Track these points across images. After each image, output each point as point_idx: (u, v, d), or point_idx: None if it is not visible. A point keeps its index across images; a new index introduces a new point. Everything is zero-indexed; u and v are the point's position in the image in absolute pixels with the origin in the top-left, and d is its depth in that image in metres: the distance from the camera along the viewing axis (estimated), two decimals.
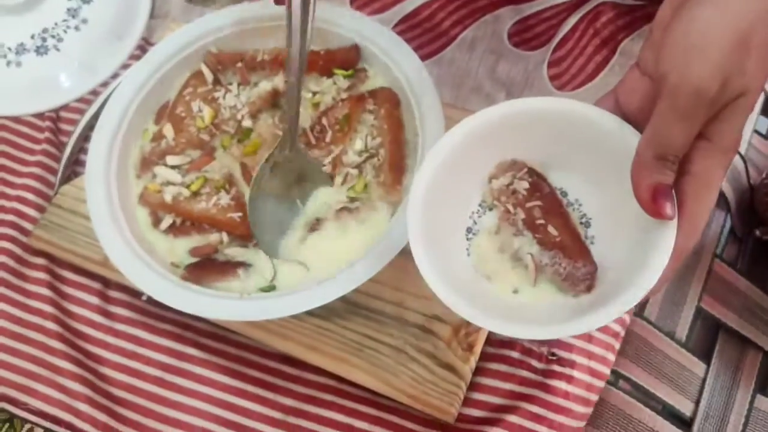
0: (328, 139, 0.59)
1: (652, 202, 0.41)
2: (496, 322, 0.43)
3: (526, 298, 0.47)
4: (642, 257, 0.42)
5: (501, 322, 0.43)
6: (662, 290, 0.64)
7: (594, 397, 0.60)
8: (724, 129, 0.40)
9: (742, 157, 0.93)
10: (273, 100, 0.61)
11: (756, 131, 0.94)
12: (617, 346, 0.61)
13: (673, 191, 0.41)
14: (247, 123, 0.60)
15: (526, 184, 0.49)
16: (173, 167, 0.60)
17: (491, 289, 0.48)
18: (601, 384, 0.60)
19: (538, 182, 0.49)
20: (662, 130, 0.40)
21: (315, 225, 0.57)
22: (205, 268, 0.56)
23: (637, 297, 0.41)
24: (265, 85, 0.61)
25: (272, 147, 0.58)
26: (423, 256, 0.45)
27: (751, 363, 0.87)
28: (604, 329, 0.60)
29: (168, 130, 0.61)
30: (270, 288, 0.55)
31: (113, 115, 0.60)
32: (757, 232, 0.92)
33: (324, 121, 0.59)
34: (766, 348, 0.87)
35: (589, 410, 0.59)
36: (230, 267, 0.55)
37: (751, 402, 0.88)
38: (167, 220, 0.58)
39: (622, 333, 0.61)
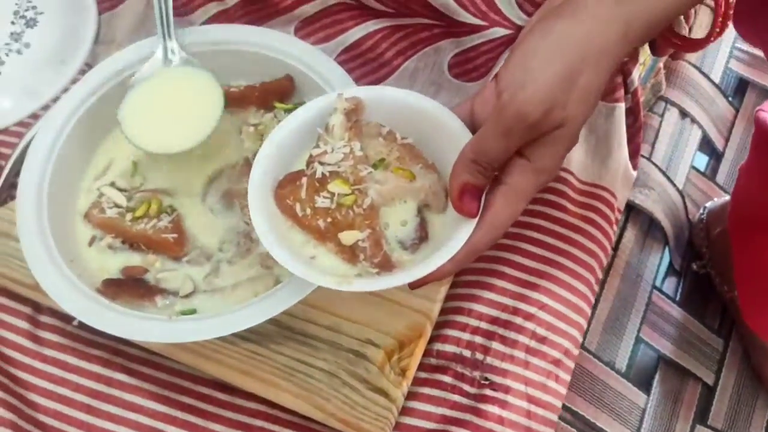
0: None
1: (458, 198, 0.45)
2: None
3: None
4: (439, 246, 0.47)
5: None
6: (601, 319, 0.64)
7: (539, 428, 0.59)
8: (541, 152, 0.44)
9: (680, 192, 0.95)
10: None
11: (693, 167, 0.97)
12: (563, 374, 0.61)
13: (484, 195, 0.45)
14: None
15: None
16: (121, 190, 0.61)
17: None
18: (548, 414, 0.59)
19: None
20: (484, 139, 0.44)
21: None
22: (123, 286, 0.55)
23: (418, 275, 0.45)
24: None
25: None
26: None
27: (691, 393, 0.88)
28: (540, 355, 0.60)
29: None
30: (190, 311, 0.54)
31: (47, 137, 0.60)
32: (694, 266, 0.95)
33: None
34: (704, 379, 0.88)
35: None
36: (151, 292, 0.55)
37: None
38: (107, 240, 0.58)
39: (566, 361, 0.61)
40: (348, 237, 0.49)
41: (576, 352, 0.62)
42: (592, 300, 0.63)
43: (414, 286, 0.47)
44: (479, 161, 0.44)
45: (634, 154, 0.69)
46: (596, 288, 0.64)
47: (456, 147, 0.47)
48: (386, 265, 0.49)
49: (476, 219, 0.45)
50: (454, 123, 0.50)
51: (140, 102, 0.59)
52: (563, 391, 0.61)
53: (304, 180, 0.50)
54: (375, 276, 0.48)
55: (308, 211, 0.49)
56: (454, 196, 0.45)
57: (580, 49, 0.42)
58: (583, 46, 0.42)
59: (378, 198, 0.50)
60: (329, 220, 0.49)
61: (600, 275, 0.64)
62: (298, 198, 0.50)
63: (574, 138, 0.45)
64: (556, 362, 0.61)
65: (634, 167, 0.69)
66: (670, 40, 0.61)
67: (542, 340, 0.60)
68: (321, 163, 0.50)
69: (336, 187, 0.49)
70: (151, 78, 0.60)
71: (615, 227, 0.65)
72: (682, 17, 0.65)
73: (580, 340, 0.62)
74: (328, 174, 0.49)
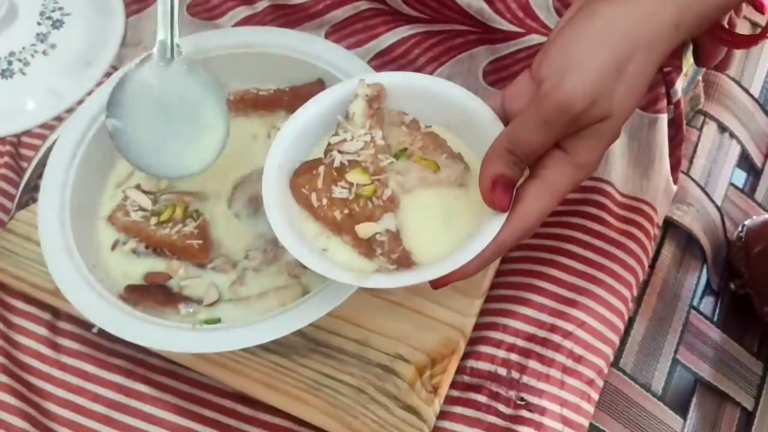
0: None
1: (490, 191, 0.42)
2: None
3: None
4: (465, 239, 0.44)
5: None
6: (637, 339, 0.62)
7: None
8: (581, 146, 0.42)
9: (719, 209, 0.92)
10: None
11: (732, 184, 0.94)
12: (594, 395, 0.59)
13: (516, 189, 0.43)
14: None
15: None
16: (146, 192, 0.59)
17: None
18: None
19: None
20: (521, 128, 0.41)
21: None
22: (146, 292, 0.53)
23: (440, 272, 0.43)
24: None
25: None
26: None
27: (729, 418, 0.85)
28: (576, 375, 0.58)
29: None
30: (215, 321, 0.52)
31: (70, 140, 0.58)
32: (733, 286, 0.91)
33: None
34: (743, 403, 0.85)
35: None
36: (174, 299, 0.53)
37: None
38: (130, 244, 0.57)
39: (598, 381, 0.59)
40: (365, 230, 0.46)
41: (606, 371, 0.60)
42: (626, 318, 0.60)
43: (436, 285, 0.44)
44: (515, 152, 0.42)
45: (674, 167, 0.66)
46: (632, 305, 0.61)
47: (486, 137, 0.44)
48: (405, 262, 0.46)
49: (505, 214, 0.43)
50: (486, 112, 0.47)
51: (137, 112, 0.55)
52: (591, 411, 0.59)
53: (322, 169, 0.47)
54: (393, 272, 0.45)
55: (324, 201, 0.47)
56: (485, 188, 0.42)
57: (630, 36, 0.40)
58: (633, 32, 0.40)
59: (399, 189, 0.47)
60: (346, 211, 0.47)
61: (636, 292, 0.61)
62: (314, 187, 0.47)
63: (616, 132, 0.42)
64: (590, 382, 0.58)
65: (675, 181, 0.66)
66: (720, 37, 0.58)
67: (579, 359, 0.58)
68: (340, 152, 0.47)
69: (355, 176, 0.47)
70: (147, 82, 0.55)
71: (654, 243, 0.63)
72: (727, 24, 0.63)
73: (612, 359, 0.60)
74: (346, 163, 0.47)
